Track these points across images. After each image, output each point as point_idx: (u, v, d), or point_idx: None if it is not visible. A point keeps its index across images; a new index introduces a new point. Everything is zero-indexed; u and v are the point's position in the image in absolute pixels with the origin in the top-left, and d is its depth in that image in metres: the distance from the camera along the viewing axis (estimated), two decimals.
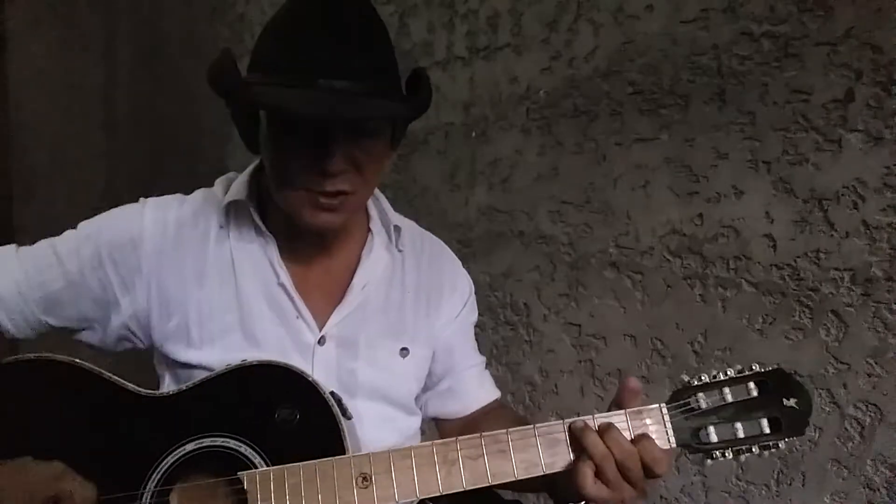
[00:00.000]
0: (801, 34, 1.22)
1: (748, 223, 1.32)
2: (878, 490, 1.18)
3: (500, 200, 1.78)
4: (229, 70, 0.82)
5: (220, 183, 1.00)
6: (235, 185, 0.95)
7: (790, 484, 1.29)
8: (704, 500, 1.43)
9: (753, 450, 0.78)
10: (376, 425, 0.96)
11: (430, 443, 0.79)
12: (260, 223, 0.93)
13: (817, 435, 1.24)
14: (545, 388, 1.72)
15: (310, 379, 0.83)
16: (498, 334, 1.81)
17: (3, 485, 0.77)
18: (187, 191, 1.01)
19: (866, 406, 1.19)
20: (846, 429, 1.21)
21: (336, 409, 0.82)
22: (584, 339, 1.62)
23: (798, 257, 1.25)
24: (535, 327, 1.73)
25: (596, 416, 0.79)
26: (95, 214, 0.95)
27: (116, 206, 0.96)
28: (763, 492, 1.33)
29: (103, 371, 0.85)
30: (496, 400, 1.12)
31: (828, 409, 1.23)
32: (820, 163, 1.21)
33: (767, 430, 0.78)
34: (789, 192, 1.26)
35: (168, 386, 0.95)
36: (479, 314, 1.15)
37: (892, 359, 1.15)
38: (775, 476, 1.31)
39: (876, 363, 1.17)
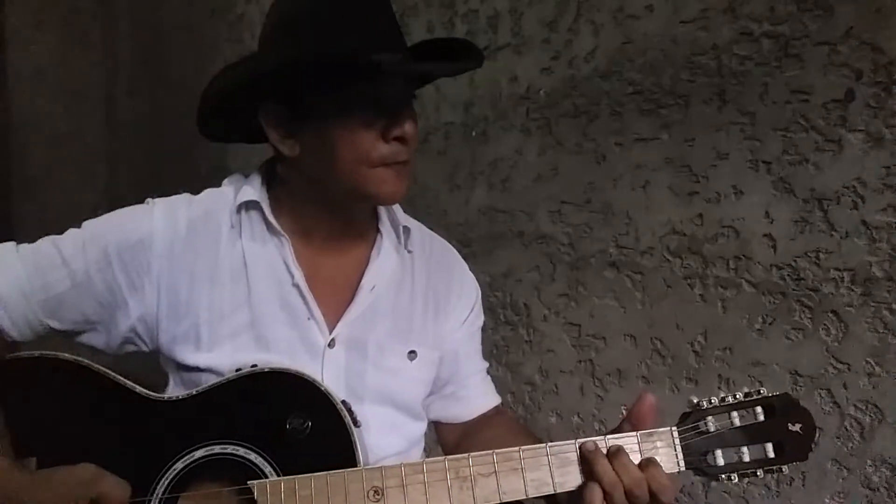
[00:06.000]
0: (801, 34, 1.22)
1: (748, 223, 1.32)
2: (878, 490, 1.18)
3: (500, 200, 1.78)
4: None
5: (229, 182, 0.98)
6: (247, 184, 0.94)
7: (790, 484, 1.29)
8: (704, 500, 1.43)
9: (758, 473, 0.79)
10: (382, 430, 0.94)
11: (442, 458, 0.78)
12: (274, 223, 0.92)
13: (817, 435, 1.24)
14: (545, 388, 1.71)
15: (322, 388, 0.82)
16: (498, 334, 1.80)
17: (40, 498, 0.74)
18: (188, 191, 0.99)
19: (866, 406, 1.19)
20: (846, 429, 1.21)
21: (348, 419, 0.81)
22: (584, 339, 1.62)
23: (798, 257, 1.25)
24: (535, 327, 1.73)
25: (607, 437, 0.79)
26: (96, 214, 0.93)
27: (117, 206, 0.94)
28: (763, 492, 1.33)
29: (109, 371, 0.84)
30: (497, 406, 1.11)
31: (828, 409, 1.23)
32: (820, 163, 1.21)
33: (772, 455, 0.79)
34: (789, 192, 1.26)
35: (174, 387, 0.93)
36: None
37: (892, 359, 1.15)
38: (775, 476, 1.31)
39: (876, 363, 1.17)
